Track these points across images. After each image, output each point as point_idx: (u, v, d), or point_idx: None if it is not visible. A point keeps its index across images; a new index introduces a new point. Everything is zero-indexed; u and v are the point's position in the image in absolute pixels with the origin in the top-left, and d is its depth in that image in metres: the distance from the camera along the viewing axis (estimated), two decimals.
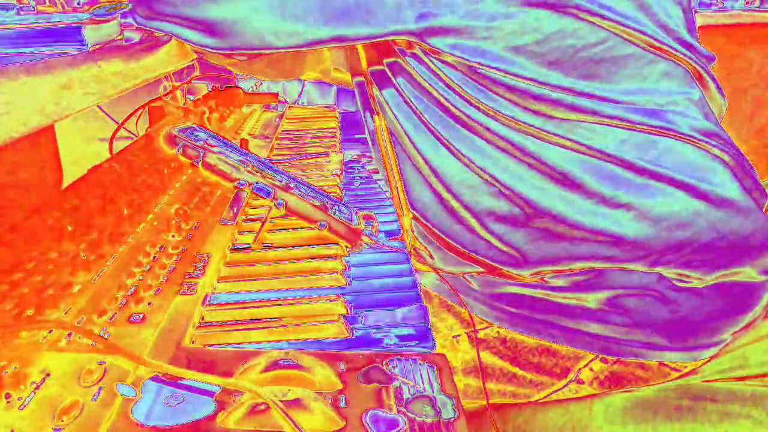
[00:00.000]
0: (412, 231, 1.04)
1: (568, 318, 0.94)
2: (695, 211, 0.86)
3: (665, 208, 0.86)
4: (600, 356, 0.94)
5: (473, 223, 0.96)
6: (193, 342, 0.63)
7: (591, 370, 0.94)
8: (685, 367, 0.92)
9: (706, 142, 0.88)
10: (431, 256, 1.05)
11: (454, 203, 0.97)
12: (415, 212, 1.04)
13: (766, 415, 0.78)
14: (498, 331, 0.99)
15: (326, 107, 1.84)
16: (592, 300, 0.92)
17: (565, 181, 0.87)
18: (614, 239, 0.88)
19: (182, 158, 0.84)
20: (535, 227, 0.92)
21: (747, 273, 0.89)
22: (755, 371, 0.85)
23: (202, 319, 0.68)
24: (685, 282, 0.89)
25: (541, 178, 0.89)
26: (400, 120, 1.00)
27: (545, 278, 0.95)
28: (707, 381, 0.87)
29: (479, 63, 0.84)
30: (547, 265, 0.93)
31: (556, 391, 0.95)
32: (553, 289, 0.95)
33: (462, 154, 0.93)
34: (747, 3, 2.49)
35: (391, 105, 1.01)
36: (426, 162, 0.98)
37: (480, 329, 1.00)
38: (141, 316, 0.63)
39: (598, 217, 0.87)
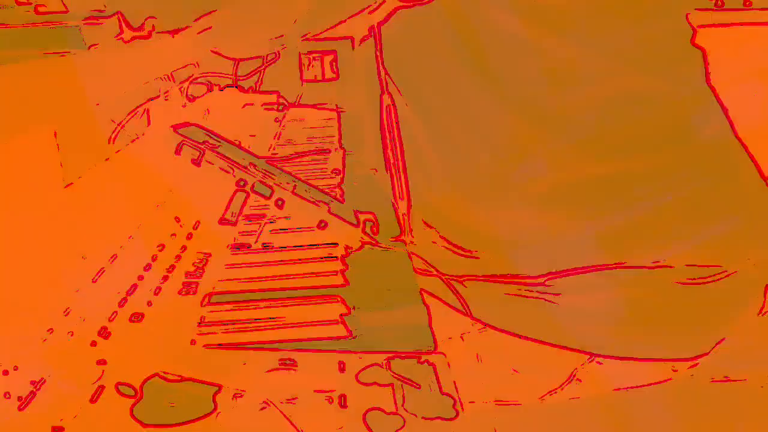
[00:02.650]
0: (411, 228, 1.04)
1: (566, 319, 0.93)
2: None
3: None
4: (599, 357, 0.94)
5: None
6: (193, 342, 0.63)
7: (590, 371, 0.94)
8: (685, 367, 0.92)
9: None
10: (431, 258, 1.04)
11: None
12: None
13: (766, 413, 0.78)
14: (496, 334, 0.99)
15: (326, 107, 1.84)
16: (591, 301, 0.92)
17: None
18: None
19: (182, 158, 0.84)
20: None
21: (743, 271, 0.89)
22: (753, 371, 0.85)
23: (202, 319, 0.67)
24: (690, 280, 0.89)
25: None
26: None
27: (546, 281, 0.95)
28: (706, 380, 0.87)
29: None
30: (556, 268, 0.92)
31: (555, 392, 0.95)
32: (551, 289, 0.94)
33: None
34: (746, 3, 2.49)
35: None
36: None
37: (479, 331, 1.00)
38: (141, 315, 0.63)
39: None
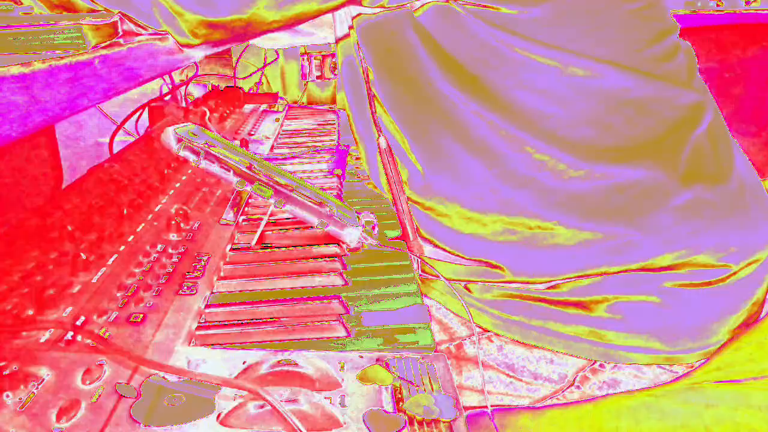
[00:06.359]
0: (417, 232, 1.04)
1: (565, 324, 0.93)
2: None
3: None
4: (597, 362, 0.94)
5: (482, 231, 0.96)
6: (193, 342, 0.63)
7: (588, 376, 0.94)
8: (683, 370, 0.92)
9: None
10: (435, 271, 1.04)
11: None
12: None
13: (760, 417, 0.78)
14: (495, 339, 0.99)
15: (326, 107, 1.84)
16: (590, 306, 0.92)
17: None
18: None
19: (182, 158, 0.84)
20: (544, 235, 0.91)
21: (700, 259, 0.89)
22: (750, 374, 0.85)
23: (202, 319, 0.67)
24: (693, 283, 0.89)
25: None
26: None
27: (548, 287, 0.94)
28: (704, 383, 0.87)
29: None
30: (559, 276, 0.92)
31: (553, 397, 0.95)
32: (550, 295, 0.94)
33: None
34: (747, 3, 2.49)
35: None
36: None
37: (481, 335, 1.00)
38: (141, 316, 0.63)
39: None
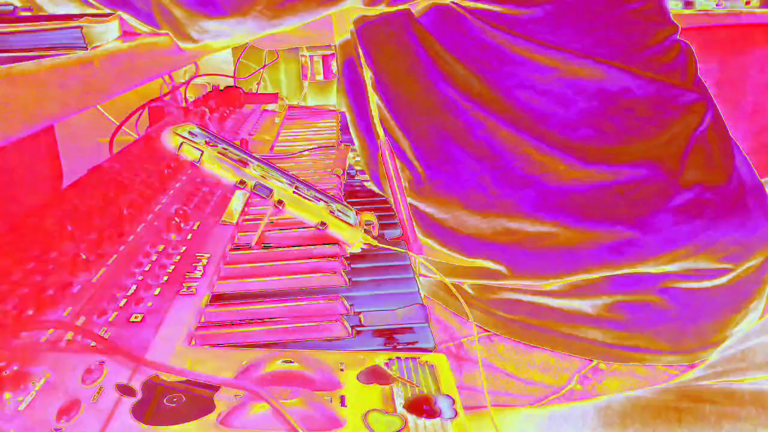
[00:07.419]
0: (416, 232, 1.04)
1: (565, 324, 0.93)
2: None
3: None
4: (598, 362, 0.94)
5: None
6: (193, 342, 0.63)
7: (588, 376, 0.94)
8: (684, 369, 0.92)
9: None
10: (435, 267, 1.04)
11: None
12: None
13: (765, 416, 0.78)
14: (495, 339, 0.99)
15: (327, 107, 1.84)
16: (590, 306, 0.92)
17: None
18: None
19: (182, 158, 0.84)
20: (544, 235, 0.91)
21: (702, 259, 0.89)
22: (754, 372, 0.85)
23: (202, 319, 0.67)
24: (692, 283, 0.89)
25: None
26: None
27: (548, 287, 0.94)
28: (706, 382, 0.87)
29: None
30: (560, 276, 0.92)
31: (553, 397, 0.95)
32: (550, 295, 0.94)
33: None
34: (747, 3, 2.49)
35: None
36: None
37: (481, 335, 1.00)
38: (141, 316, 0.63)
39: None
